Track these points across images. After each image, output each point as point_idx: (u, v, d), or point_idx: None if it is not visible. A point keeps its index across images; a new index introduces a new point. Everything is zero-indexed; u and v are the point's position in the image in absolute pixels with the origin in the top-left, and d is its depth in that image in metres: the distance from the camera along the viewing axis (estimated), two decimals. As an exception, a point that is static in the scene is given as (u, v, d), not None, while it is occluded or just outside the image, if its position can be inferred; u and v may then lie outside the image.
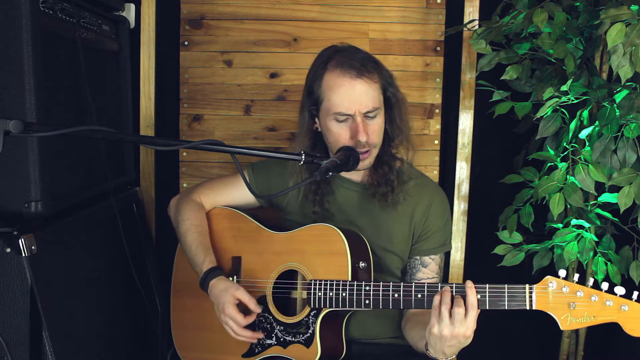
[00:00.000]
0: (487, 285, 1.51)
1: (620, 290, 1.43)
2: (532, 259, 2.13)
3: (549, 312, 1.47)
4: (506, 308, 1.50)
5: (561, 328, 1.46)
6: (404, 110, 1.79)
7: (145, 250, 2.24)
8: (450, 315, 1.47)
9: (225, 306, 1.69)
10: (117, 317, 2.01)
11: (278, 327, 1.76)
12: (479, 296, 1.49)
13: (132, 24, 2.33)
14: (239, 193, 1.93)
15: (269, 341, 1.77)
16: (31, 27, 1.55)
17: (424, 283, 1.61)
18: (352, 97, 1.67)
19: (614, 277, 2.03)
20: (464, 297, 1.49)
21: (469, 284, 1.50)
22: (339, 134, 1.72)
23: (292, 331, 1.74)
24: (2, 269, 1.51)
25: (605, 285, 1.44)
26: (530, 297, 1.47)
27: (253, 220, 1.88)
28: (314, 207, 1.83)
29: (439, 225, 1.84)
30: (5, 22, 1.54)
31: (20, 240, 1.50)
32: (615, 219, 2.03)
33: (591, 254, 2.02)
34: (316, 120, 1.79)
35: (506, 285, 1.50)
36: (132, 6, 2.32)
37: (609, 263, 2.05)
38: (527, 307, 1.48)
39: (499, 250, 2.14)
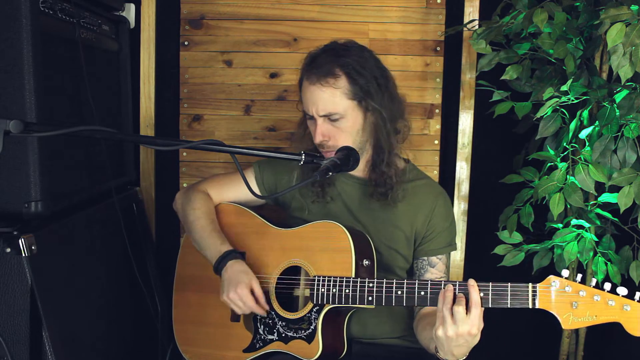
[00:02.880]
0: (490, 284, 1.51)
1: (622, 290, 1.43)
2: (532, 259, 2.13)
3: (551, 311, 1.47)
4: (509, 306, 1.50)
5: (563, 327, 1.47)
6: (385, 124, 1.77)
7: (145, 250, 2.24)
8: (452, 314, 1.47)
9: (239, 286, 1.70)
10: (117, 317, 2.01)
11: (280, 322, 1.76)
12: (481, 294, 1.49)
13: (132, 24, 2.33)
14: (246, 190, 1.92)
15: (270, 336, 1.77)
16: (31, 27, 1.55)
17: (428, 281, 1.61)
18: (310, 99, 1.74)
19: (614, 277, 2.03)
20: (467, 296, 1.49)
21: (471, 282, 1.50)
22: (311, 131, 1.80)
23: (294, 327, 1.74)
24: (2, 269, 1.51)
25: (607, 286, 1.44)
26: (534, 296, 1.48)
27: (258, 217, 1.89)
28: (313, 191, 1.86)
29: (444, 225, 1.85)
30: (5, 22, 1.54)
31: (20, 240, 1.50)
32: (615, 219, 2.03)
33: (591, 254, 2.02)
34: None
35: (509, 284, 1.50)
36: (132, 6, 2.32)
37: (609, 263, 2.05)
38: (530, 306, 1.48)
39: (499, 250, 2.14)
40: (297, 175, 1.88)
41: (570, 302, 1.45)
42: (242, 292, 1.70)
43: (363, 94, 1.73)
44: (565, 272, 1.47)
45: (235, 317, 1.84)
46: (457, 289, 1.52)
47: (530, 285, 1.49)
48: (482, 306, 1.49)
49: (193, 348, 1.91)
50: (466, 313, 1.46)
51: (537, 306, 1.48)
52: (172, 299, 1.99)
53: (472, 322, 1.46)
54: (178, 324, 1.96)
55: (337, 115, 1.72)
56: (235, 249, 1.80)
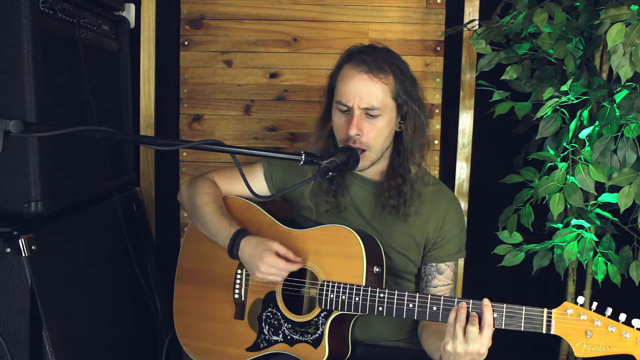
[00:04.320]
0: (505, 305, 1.50)
1: (638, 323, 1.41)
2: (532, 259, 2.13)
3: (564, 338, 1.45)
4: (522, 330, 1.48)
5: (576, 355, 1.45)
6: (422, 130, 1.77)
7: (145, 249, 2.24)
8: (464, 333, 1.47)
9: (263, 256, 1.67)
10: (118, 317, 2.01)
11: (286, 324, 1.76)
12: (495, 315, 1.49)
13: (132, 24, 2.33)
14: (253, 185, 1.90)
15: (275, 337, 1.76)
16: (31, 27, 1.55)
17: (440, 294, 1.60)
18: (354, 89, 1.69)
19: (614, 277, 2.03)
20: (480, 315, 1.49)
21: (486, 302, 1.50)
22: (338, 124, 1.75)
23: (300, 330, 1.73)
24: (2, 269, 1.51)
25: (622, 317, 1.42)
26: (548, 321, 1.46)
27: (267, 214, 1.87)
28: (327, 201, 1.83)
29: (455, 232, 1.83)
30: (5, 22, 1.54)
31: (20, 240, 1.50)
32: (615, 219, 2.03)
33: (591, 254, 2.02)
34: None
35: (524, 307, 1.49)
36: (132, 6, 2.33)
37: (609, 263, 2.05)
38: (544, 331, 1.47)
39: (499, 250, 2.14)
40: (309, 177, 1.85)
41: (585, 330, 1.44)
42: (269, 260, 1.67)
43: (406, 96, 1.72)
44: (580, 299, 1.46)
45: (239, 314, 1.83)
46: (470, 307, 1.51)
47: (545, 310, 1.47)
48: (494, 327, 1.48)
49: (194, 341, 1.90)
50: (478, 333, 1.46)
51: (551, 332, 1.46)
52: (172, 292, 1.97)
53: (483, 341, 1.47)
54: (179, 315, 1.95)
55: (378, 112, 1.69)
56: (244, 227, 1.77)
